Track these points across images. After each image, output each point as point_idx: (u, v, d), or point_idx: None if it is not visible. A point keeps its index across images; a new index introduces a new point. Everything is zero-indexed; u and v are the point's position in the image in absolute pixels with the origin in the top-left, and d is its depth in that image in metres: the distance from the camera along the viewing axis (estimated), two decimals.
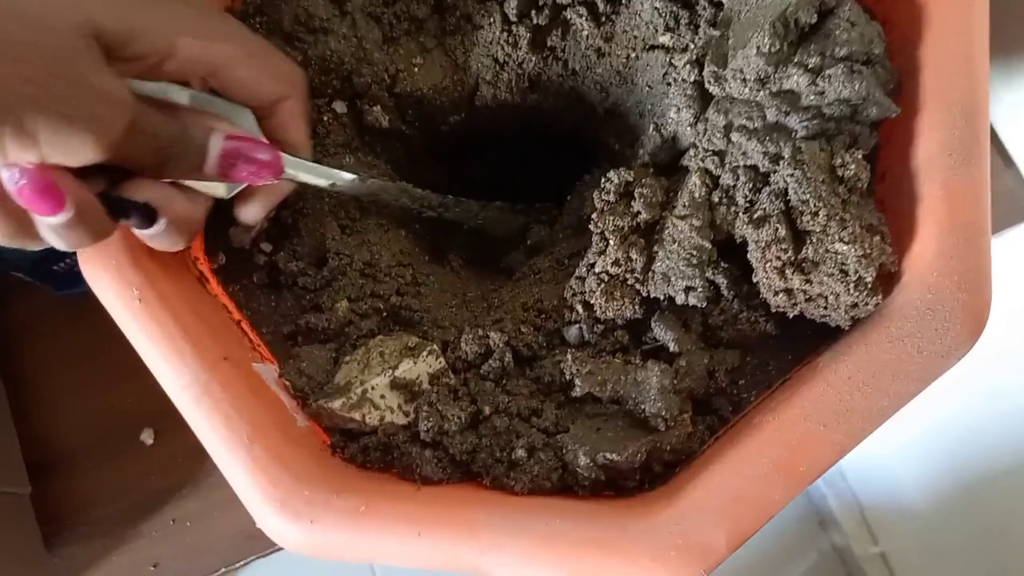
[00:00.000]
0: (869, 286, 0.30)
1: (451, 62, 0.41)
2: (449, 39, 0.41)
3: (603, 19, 0.39)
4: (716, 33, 0.34)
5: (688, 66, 0.35)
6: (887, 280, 0.32)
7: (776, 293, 0.32)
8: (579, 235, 0.40)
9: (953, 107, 0.32)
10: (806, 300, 0.31)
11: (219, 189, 0.32)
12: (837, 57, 0.32)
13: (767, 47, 0.31)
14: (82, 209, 0.26)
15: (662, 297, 0.33)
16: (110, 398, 0.53)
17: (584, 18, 0.39)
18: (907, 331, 0.30)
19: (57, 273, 0.51)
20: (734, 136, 0.33)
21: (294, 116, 0.33)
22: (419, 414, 0.33)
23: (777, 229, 0.31)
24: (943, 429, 0.84)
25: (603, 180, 0.34)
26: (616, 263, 0.33)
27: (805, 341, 0.33)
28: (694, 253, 0.32)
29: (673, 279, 0.32)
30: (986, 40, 0.32)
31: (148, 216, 0.29)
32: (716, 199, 0.33)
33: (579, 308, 0.34)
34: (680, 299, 0.33)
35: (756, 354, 0.34)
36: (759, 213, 0.32)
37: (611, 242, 0.33)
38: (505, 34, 0.40)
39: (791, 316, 0.32)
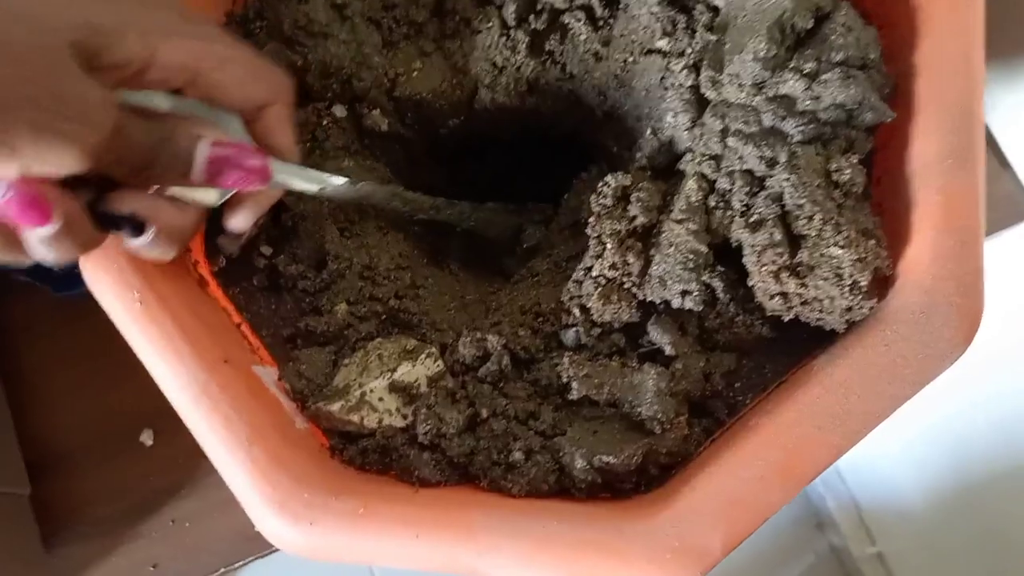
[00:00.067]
0: (864, 290, 0.30)
1: (450, 66, 0.41)
2: (448, 43, 0.41)
3: (601, 24, 0.39)
4: (713, 38, 0.35)
5: (685, 71, 0.35)
6: (882, 283, 0.32)
7: (771, 297, 0.32)
8: (577, 236, 0.41)
9: (949, 111, 0.32)
10: (801, 304, 0.32)
11: (208, 196, 0.32)
12: (833, 62, 0.32)
13: (763, 52, 0.32)
14: (69, 221, 0.26)
15: (658, 301, 0.33)
16: (109, 398, 0.53)
17: (582, 23, 0.39)
18: (902, 334, 0.30)
19: (57, 274, 0.51)
20: (730, 140, 0.33)
21: (280, 121, 0.32)
22: (417, 417, 0.33)
23: (772, 233, 0.31)
24: (941, 430, 0.84)
25: (600, 184, 0.34)
26: (613, 267, 0.33)
27: (800, 344, 0.33)
28: (690, 257, 0.32)
29: (669, 283, 0.33)
30: (982, 43, 0.33)
31: (136, 226, 0.29)
32: (712, 203, 0.33)
33: (576, 311, 0.34)
34: (676, 303, 0.33)
35: (752, 357, 0.34)
36: (755, 217, 0.32)
37: (608, 246, 0.33)
38: (504, 38, 0.40)
39: (787, 319, 0.32)
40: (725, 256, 0.33)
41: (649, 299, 0.33)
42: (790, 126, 0.32)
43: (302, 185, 0.34)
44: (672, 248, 0.33)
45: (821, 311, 0.32)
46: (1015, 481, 0.77)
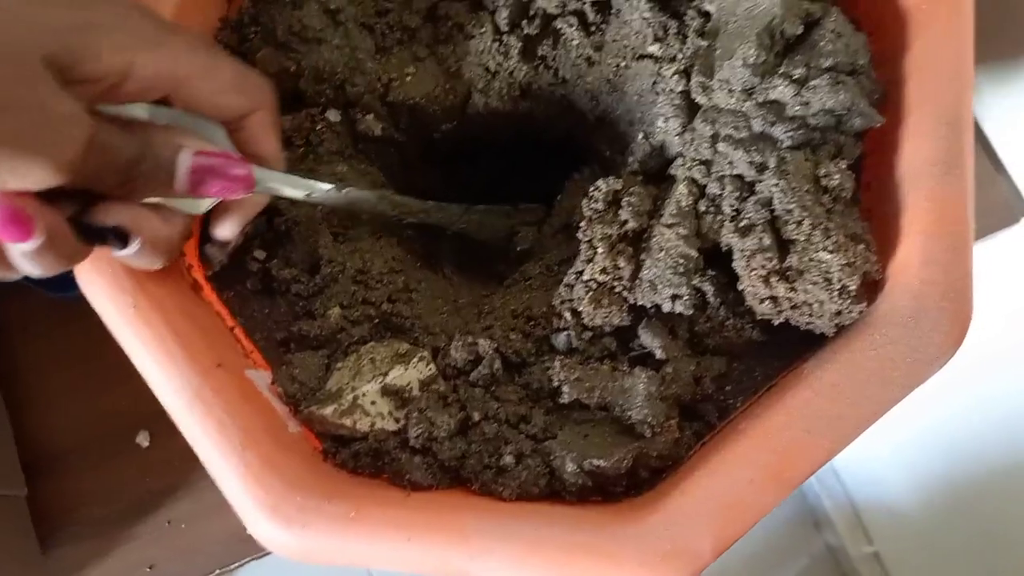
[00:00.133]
0: (853, 294, 0.31)
1: (443, 71, 0.42)
2: (441, 48, 0.41)
3: (593, 29, 0.39)
4: (704, 44, 0.35)
5: (676, 76, 0.35)
6: (871, 288, 0.32)
7: (761, 301, 0.32)
8: (569, 240, 0.41)
9: (939, 117, 0.32)
10: (791, 308, 0.32)
11: (194, 205, 0.31)
12: (822, 68, 0.32)
13: (753, 58, 0.32)
14: (52, 235, 0.26)
15: (649, 305, 0.33)
16: (105, 400, 0.53)
17: (574, 28, 0.39)
18: (891, 338, 0.31)
19: (51, 276, 0.51)
20: (720, 146, 0.33)
21: (264, 128, 0.32)
22: (409, 420, 0.33)
23: (762, 238, 0.31)
24: (937, 431, 0.84)
25: (591, 189, 0.34)
26: (604, 271, 0.33)
27: (791, 348, 0.34)
28: (681, 261, 0.32)
29: (660, 287, 0.33)
30: (971, 49, 0.33)
31: (121, 238, 0.29)
32: (703, 208, 0.33)
33: (567, 315, 0.34)
34: (667, 307, 0.33)
35: (742, 361, 0.35)
36: (745, 222, 0.32)
37: (599, 250, 0.33)
38: (496, 44, 0.40)
39: (776, 323, 0.33)
40: (715, 260, 0.33)
41: (640, 303, 0.34)
42: (780, 131, 0.32)
43: (288, 192, 0.34)
44: (663, 252, 0.33)
45: (810, 315, 0.32)
46: (1011, 481, 0.77)
